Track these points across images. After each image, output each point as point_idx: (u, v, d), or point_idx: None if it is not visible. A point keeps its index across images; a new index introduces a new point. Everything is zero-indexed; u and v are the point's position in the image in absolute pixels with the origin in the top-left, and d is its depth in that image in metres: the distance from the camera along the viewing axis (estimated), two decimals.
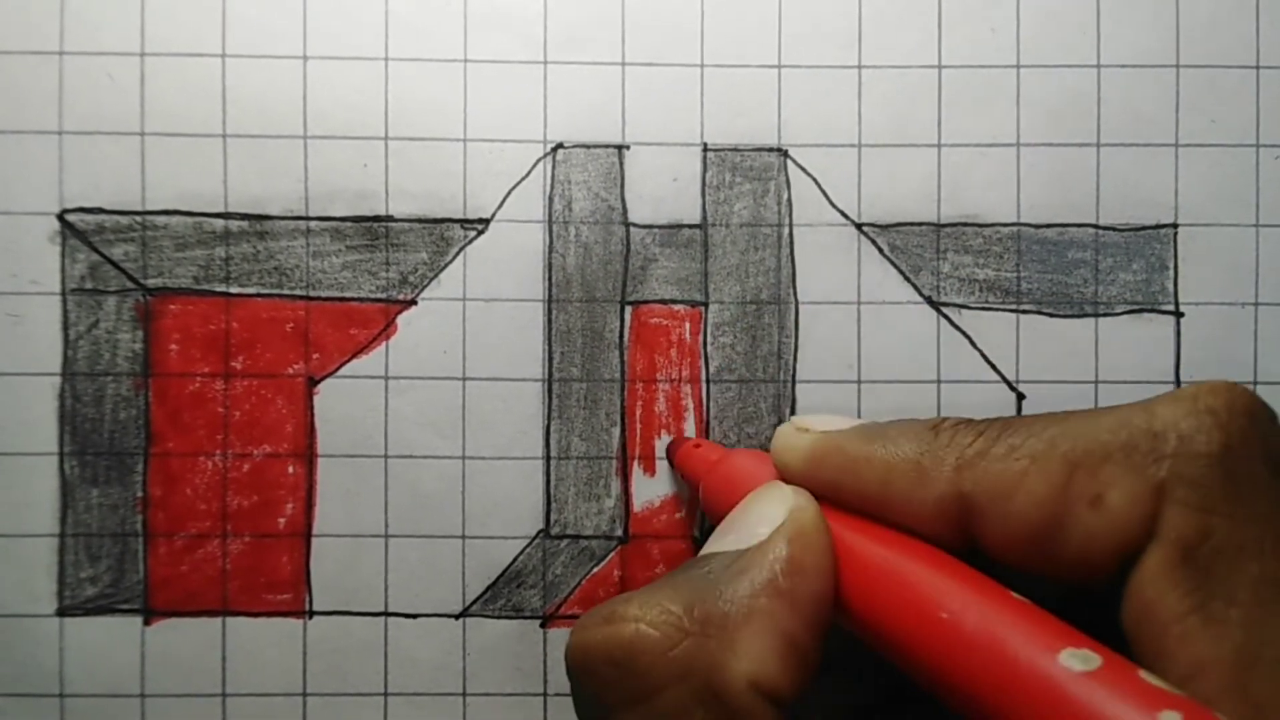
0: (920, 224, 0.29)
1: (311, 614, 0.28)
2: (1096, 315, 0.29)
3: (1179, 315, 0.29)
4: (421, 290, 0.29)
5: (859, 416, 0.28)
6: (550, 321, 0.29)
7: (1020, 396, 0.29)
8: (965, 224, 0.29)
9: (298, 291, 0.28)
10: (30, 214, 0.28)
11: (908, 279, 0.29)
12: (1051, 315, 0.29)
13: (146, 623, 0.28)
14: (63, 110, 0.28)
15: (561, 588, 0.28)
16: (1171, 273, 0.29)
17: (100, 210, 0.28)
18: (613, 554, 0.29)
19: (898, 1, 0.29)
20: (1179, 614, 0.15)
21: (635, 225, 0.29)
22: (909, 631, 0.17)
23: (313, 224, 0.28)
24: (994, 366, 0.29)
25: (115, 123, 0.28)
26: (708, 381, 0.29)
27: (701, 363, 0.29)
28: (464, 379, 0.29)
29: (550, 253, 0.29)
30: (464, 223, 0.29)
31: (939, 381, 0.29)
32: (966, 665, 0.16)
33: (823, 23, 0.29)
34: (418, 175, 0.29)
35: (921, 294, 0.29)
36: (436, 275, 0.29)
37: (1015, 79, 0.29)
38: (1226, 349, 0.29)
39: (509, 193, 0.29)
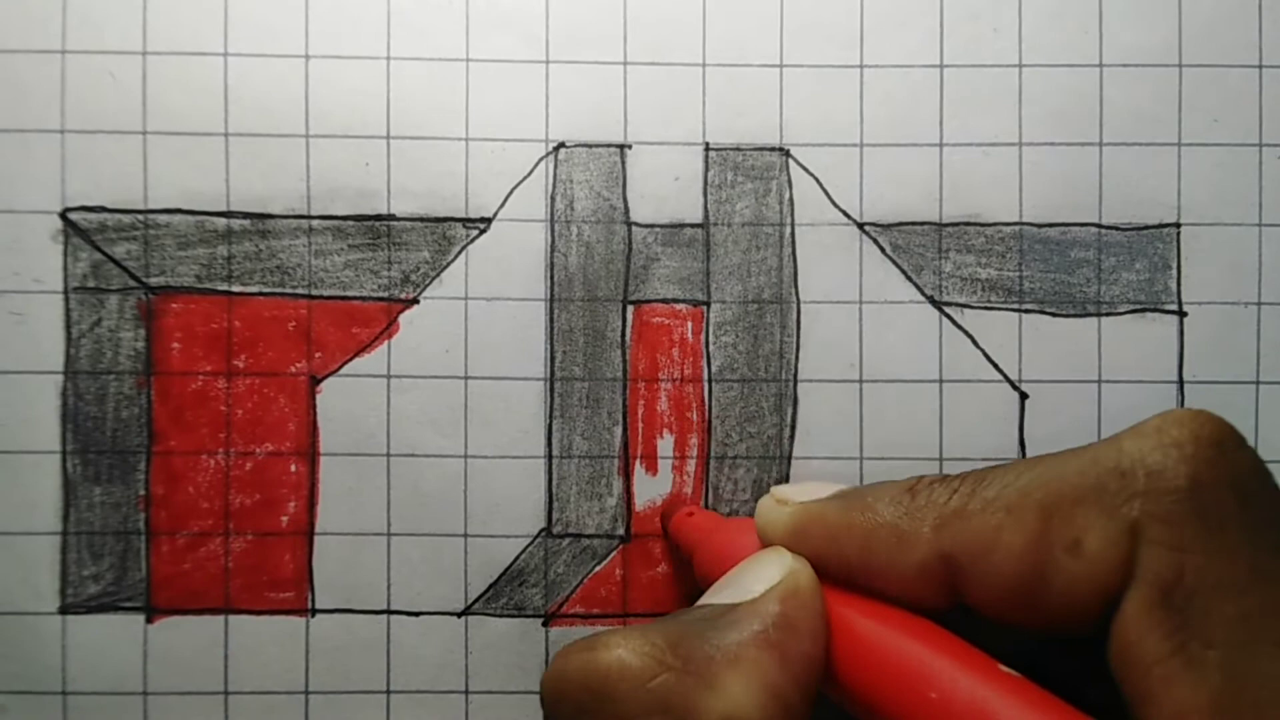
0: (922, 223, 0.29)
1: (314, 612, 0.28)
2: (1099, 315, 0.29)
3: (1182, 315, 0.29)
4: (423, 289, 0.29)
5: (860, 416, 0.28)
6: (552, 321, 0.29)
7: (1023, 396, 0.29)
8: (967, 223, 0.29)
9: (300, 290, 0.29)
10: (32, 212, 0.28)
11: (910, 279, 0.29)
12: (1054, 315, 0.29)
13: (149, 621, 0.28)
14: (65, 109, 0.28)
15: (563, 586, 0.29)
16: (1174, 272, 0.29)
17: (102, 209, 0.28)
18: (614, 553, 0.29)
19: (900, 0, 0.29)
20: (1159, 657, 0.15)
21: (637, 224, 0.29)
22: (898, 710, 0.17)
23: (315, 223, 0.28)
24: (996, 366, 0.29)
25: (117, 121, 0.28)
26: (709, 381, 0.29)
27: (703, 362, 0.29)
28: (466, 378, 0.29)
29: (552, 252, 0.29)
30: (466, 222, 0.29)
31: (941, 381, 0.29)
32: None
33: (825, 22, 0.29)
34: (420, 174, 0.29)
35: (924, 293, 0.29)
36: (438, 274, 0.29)
37: (1018, 78, 0.29)
38: (1229, 348, 0.28)
39: (511, 192, 0.29)
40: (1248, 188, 0.29)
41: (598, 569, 0.29)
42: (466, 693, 0.28)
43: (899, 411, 0.28)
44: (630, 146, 0.29)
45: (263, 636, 0.28)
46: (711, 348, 0.29)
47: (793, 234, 0.29)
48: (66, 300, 0.28)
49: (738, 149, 0.29)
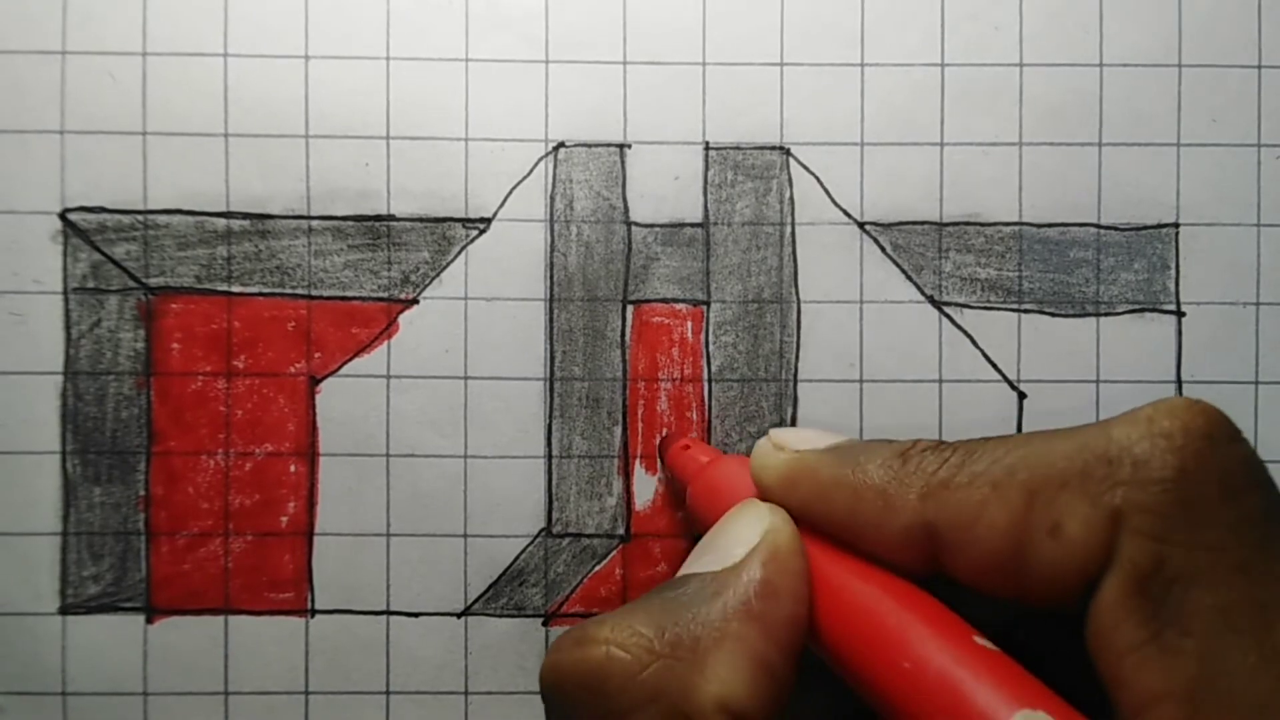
0: (922, 223, 0.29)
1: (313, 612, 0.28)
2: (1098, 315, 0.29)
3: (1180, 315, 0.29)
4: (423, 289, 0.29)
5: (860, 415, 0.28)
6: (552, 320, 0.29)
7: (1022, 396, 0.29)
8: (967, 223, 0.29)
9: (299, 290, 0.29)
10: (32, 213, 0.28)
11: (910, 278, 0.29)
12: (1053, 315, 0.29)
13: (149, 621, 0.28)
14: (65, 109, 0.28)
15: (563, 586, 0.29)
16: (1173, 272, 0.29)
17: (102, 209, 0.28)
18: (614, 552, 0.29)
19: (900, 0, 0.29)
20: (1134, 644, 0.15)
21: (637, 224, 0.29)
22: (872, 674, 0.17)
23: (314, 223, 0.28)
24: (995, 366, 0.29)
25: (117, 122, 0.28)
26: (709, 380, 0.29)
27: (703, 362, 0.29)
28: (465, 378, 0.29)
29: (552, 252, 0.29)
30: (465, 222, 0.29)
31: (940, 381, 0.29)
32: (923, 717, 0.16)
33: (825, 21, 0.29)
34: (419, 174, 0.29)
35: (923, 293, 0.29)
36: (438, 274, 0.29)
37: (1018, 78, 0.29)
38: (1228, 349, 0.29)
39: (510, 192, 0.29)
40: (1246, 188, 0.29)
41: (598, 569, 0.29)
42: (466, 693, 0.28)
43: (898, 411, 0.29)
44: (630, 146, 0.29)
45: (262, 637, 0.28)
46: (711, 347, 0.29)
47: (793, 233, 0.29)
48: (66, 301, 0.28)
49: (738, 148, 0.29)
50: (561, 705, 0.18)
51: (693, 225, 0.29)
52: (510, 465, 0.29)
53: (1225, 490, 0.15)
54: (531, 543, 0.29)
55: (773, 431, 0.21)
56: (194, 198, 0.28)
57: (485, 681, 0.28)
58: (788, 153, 0.29)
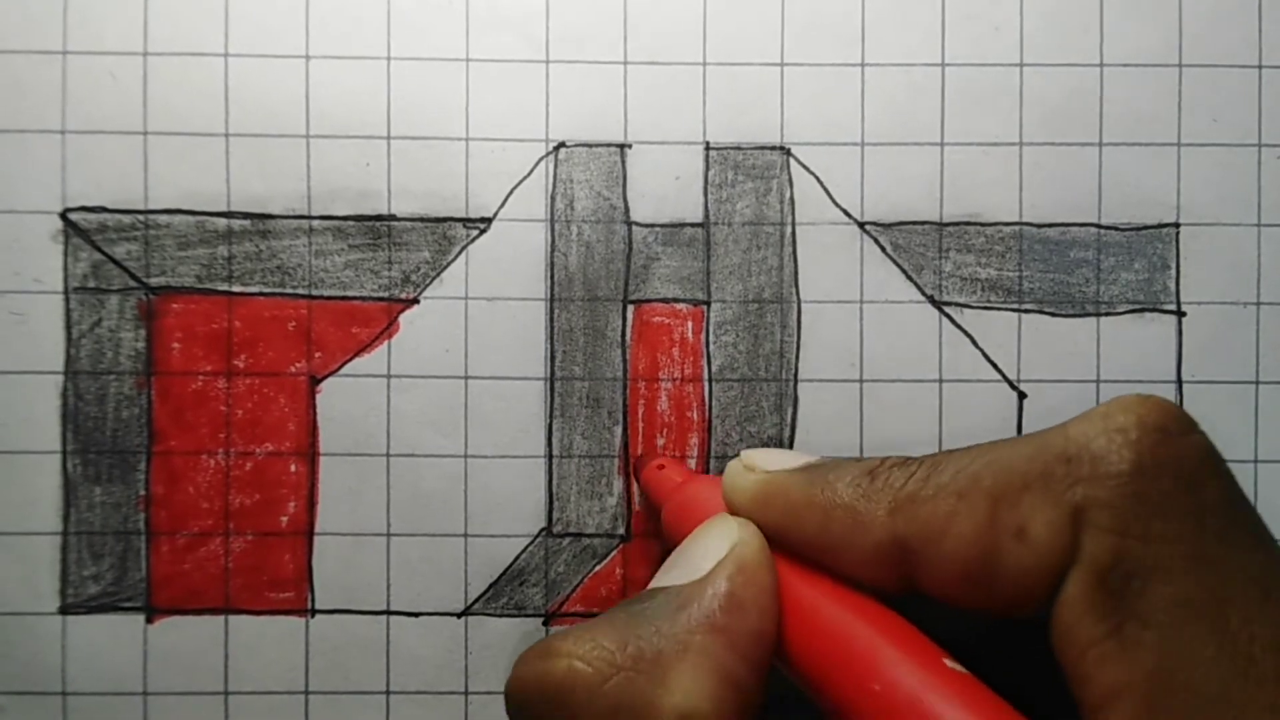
0: (922, 223, 0.29)
1: (314, 612, 0.28)
2: (1098, 315, 0.29)
3: (1181, 315, 0.29)
4: (424, 289, 0.29)
5: (861, 415, 0.28)
6: (552, 320, 0.29)
7: (1022, 396, 0.29)
8: (967, 223, 0.29)
9: (300, 290, 0.29)
10: (33, 213, 0.28)
11: (910, 278, 0.29)
12: (1053, 315, 0.29)
13: (149, 621, 0.28)
14: (65, 109, 0.28)
15: (564, 586, 0.29)
16: (1173, 272, 0.29)
17: (103, 209, 0.28)
18: (615, 552, 0.29)
19: (901, 0, 0.29)
20: (1095, 638, 0.15)
21: (637, 224, 0.29)
22: (842, 695, 0.17)
23: (315, 223, 0.29)
24: (996, 366, 0.29)
25: (118, 122, 0.28)
26: (710, 380, 0.29)
27: (704, 362, 0.29)
28: (466, 378, 0.29)
29: (552, 252, 0.29)
30: (466, 222, 0.29)
31: (940, 381, 0.29)
32: None
33: (825, 20, 0.29)
34: (420, 174, 0.29)
35: (924, 293, 0.29)
36: (439, 274, 0.29)
37: (1018, 77, 0.29)
38: (1228, 349, 0.29)
39: (511, 192, 0.29)
40: (1247, 188, 0.29)
41: (598, 568, 0.29)
42: (466, 693, 0.28)
43: (899, 411, 0.29)
44: (630, 146, 0.29)
45: (263, 637, 0.28)
46: (712, 347, 0.29)
47: (793, 233, 0.29)
48: (67, 300, 0.28)
49: (738, 148, 0.29)
50: (526, 718, 0.18)
51: (693, 225, 0.29)
52: (511, 465, 0.29)
53: (1182, 482, 0.15)
54: (532, 542, 0.29)
55: (744, 453, 0.21)
56: (195, 197, 0.28)
57: (485, 681, 0.28)
58: (788, 153, 0.29)
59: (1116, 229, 0.29)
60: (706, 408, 0.29)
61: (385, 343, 0.29)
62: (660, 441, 0.29)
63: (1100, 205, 0.29)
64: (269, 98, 0.28)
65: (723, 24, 0.29)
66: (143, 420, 0.28)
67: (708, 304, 0.29)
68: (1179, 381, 0.29)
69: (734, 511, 0.21)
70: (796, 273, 0.29)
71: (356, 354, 0.29)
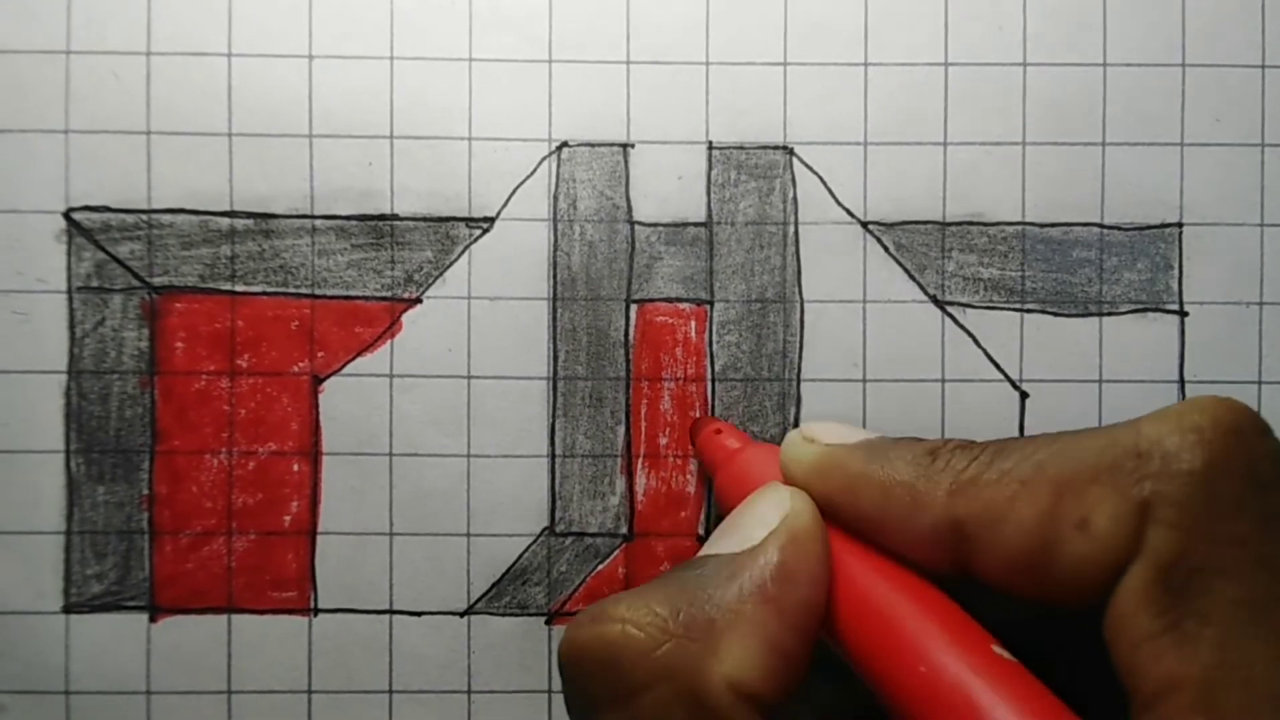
0: (925, 222, 0.29)
1: (316, 611, 0.28)
2: (1101, 314, 0.29)
3: (1183, 315, 0.29)
4: (426, 289, 0.29)
5: (864, 414, 0.28)
6: (555, 320, 0.29)
7: (1024, 396, 0.29)
8: (970, 223, 0.29)
9: (303, 290, 0.29)
10: (36, 212, 0.28)
11: (913, 278, 0.29)
12: (1056, 314, 0.29)
13: (152, 620, 0.28)
14: (69, 109, 0.28)
15: (566, 585, 0.29)
16: (1176, 272, 0.29)
17: (106, 209, 0.28)
18: (617, 551, 0.29)
19: (904, 0, 0.29)
20: (1152, 632, 0.15)
21: (640, 223, 0.29)
22: (887, 674, 0.17)
23: (318, 222, 0.29)
24: (998, 366, 0.29)
25: (121, 121, 0.28)
26: (713, 380, 0.29)
27: (707, 361, 0.29)
28: (469, 377, 0.29)
29: (555, 251, 0.29)
30: (469, 221, 0.29)
31: (943, 380, 0.29)
32: None
33: (828, 20, 0.29)
34: (423, 174, 0.29)
35: (926, 293, 0.29)
36: (441, 274, 0.29)
37: (1021, 77, 0.29)
38: (1231, 348, 0.29)
39: (514, 191, 0.29)
40: (1250, 188, 0.29)
41: (600, 567, 0.29)
42: (469, 692, 0.28)
43: (901, 410, 0.29)
44: (633, 145, 0.29)
45: (266, 636, 0.28)
46: (715, 347, 0.29)
47: (796, 233, 0.29)
48: (70, 300, 0.28)
49: (741, 148, 0.29)
50: (577, 679, 0.18)
51: (696, 225, 0.29)
52: (513, 464, 0.29)
53: (1252, 484, 0.16)
54: (534, 542, 0.29)
55: (805, 424, 0.22)
56: (198, 197, 0.28)
57: (488, 681, 0.28)
58: (791, 152, 0.29)
59: (1119, 229, 0.29)
60: (709, 407, 0.29)
61: (388, 342, 0.29)
62: (663, 440, 0.29)
63: (1103, 205, 0.29)
64: (272, 97, 0.28)
65: (726, 23, 0.29)
66: (146, 420, 0.28)
67: (710, 303, 0.29)
68: (1181, 381, 0.29)
69: (791, 482, 0.21)
70: (799, 272, 0.29)
71: (359, 353, 0.29)
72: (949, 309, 0.29)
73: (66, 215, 0.28)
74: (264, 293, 0.29)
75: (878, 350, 0.29)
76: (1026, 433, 0.28)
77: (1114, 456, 0.16)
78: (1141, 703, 0.15)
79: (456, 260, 0.29)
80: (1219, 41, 0.29)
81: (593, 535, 0.29)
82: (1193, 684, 0.15)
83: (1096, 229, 0.29)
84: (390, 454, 0.29)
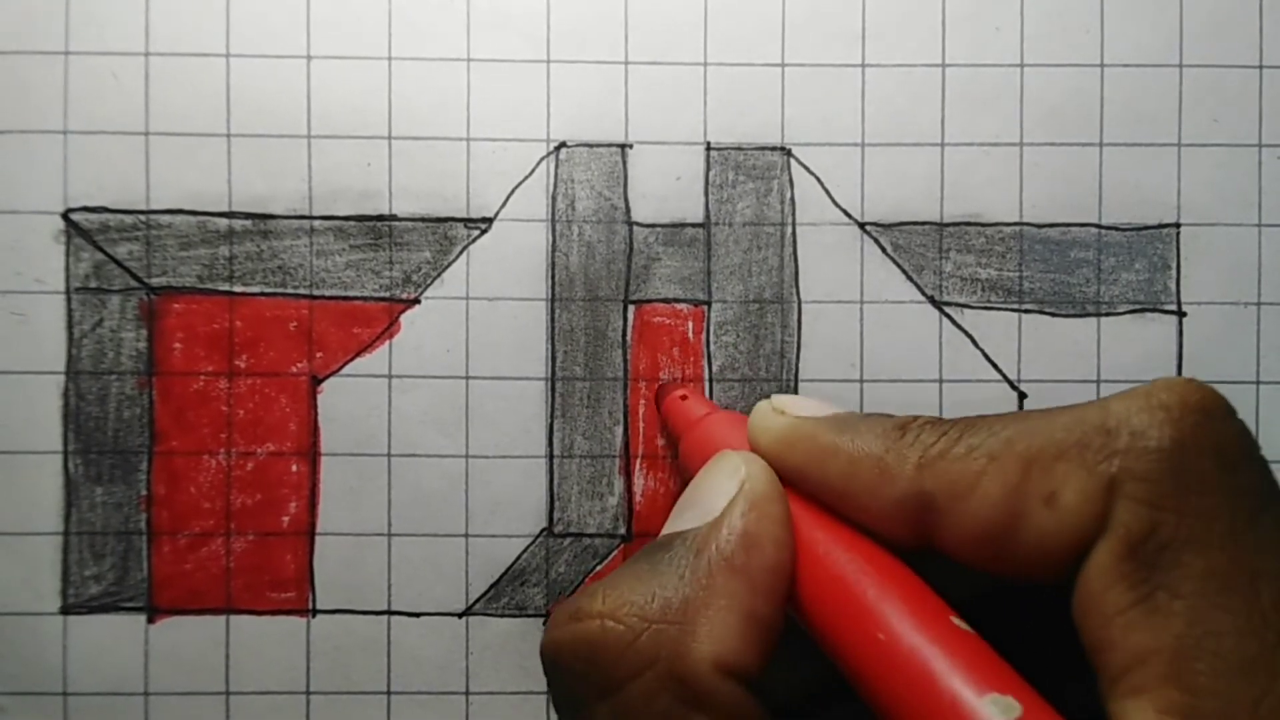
0: (923, 223, 0.29)
1: (315, 612, 0.28)
2: (1099, 315, 0.29)
3: (1181, 315, 0.29)
4: (425, 289, 0.29)
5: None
6: (553, 320, 0.29)
7: (1022, 396, 0.29)
8: (968, 223, 0.29)
9: (301, 290, 0.29)
10: (35, 213, 0.28)
11: (910, 278, 0.29)
12: (1054, 315, 0.29)
13: (150, 621, 0.28)
14: (68, 110, 0.28)
15: (565, 586, 0.29)
16: (1174, 272, 0.29)
17: (105, 209, 0.28)
18: (616, 552, 0.29)
19: (901, 0, 0.29)
20: (1122, 606, 0.15)
21: (638, 224, 0.29)
22: (846, 644, 0.17)
23: (316, 223, 0.29)
24: (996, 366, 0.29)
25: (120, 122, 0.28)
26: (711, 380, 0.29)
27: (704, 362, 0.29)
28: (467, 378, 0.29)
29: (553, 252, 0.29)
30: (467, 222, 0.29)
31: (941, 381, 0.29)
32: (892, 691, 0.16)
33: (826, 21, 0.29)
34: (421, 174, 0.29)
35: (924, 293, 0.29)
36: (440, 274, 0.29)
37: (1019, 78, 0.29)
38: (1229, 349, 0.29)
39: (512, 192, 0.29)
40: (1247, 188, 0.29)
41: (599, 568, 0.29)
42: (467, 693, 0.28)
43: (899, 411, 0.28)
44: (631, 146, 0.29)
45: (264, 637, 0.28)
46: (712, 347, 0.29)
47: (794, 234, 0.29)
48: (68, 300, 0.28)
49: (739, 148, 0.29)
50: (561, 678, 0.19)
51: (694, 225, 0.29)
52: (512, 465, 0.29)
53: (1220, 463, 0.16)
54: (533, 543, 0.29)
55: (774, 396, 0.22)
56: (196, 198, 0.28)
57: (487, 681, 0.28)
58: (789, 153, 0.29)
59: (1117, 229, 0.29)
60: None
61: (386, 343, 0.29)
62: (661, 441, 0.29)
63: (1101, 205, 0.29)
64: (270, 98, 0.29)
65: (724, 24, 0.29)
66: (144, 420, 0.28)
67: (708, 304, 0.29)
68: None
69: (757, 452, 0.21)
70: (797, 273, 0.29)
71: (358, 354, 0.29)
72: (947, 309, 0.29)
73: (65, 216, 0.28)
74: (262, 293, 0.29)
75: (875, 351, 0.29)
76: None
77: (1082, 433, 0.16)
78: (1111, 677, 0.15)
79: (455, 261, 0.29)
80: (1217, 42, 0.29)
81: (591, 536, 0.29)
82: (1164, 655, 0.15)
83: (1094, 229, 0.29)
84: (389, 454, 0.29)
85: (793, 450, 0.20)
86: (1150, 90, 0.29)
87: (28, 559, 0.28)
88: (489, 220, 0.29)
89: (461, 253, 0.29)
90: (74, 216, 0.28)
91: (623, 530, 0.29)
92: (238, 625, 0.28)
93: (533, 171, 0.29)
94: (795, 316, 0.29)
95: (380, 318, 0.29)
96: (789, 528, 0.19)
